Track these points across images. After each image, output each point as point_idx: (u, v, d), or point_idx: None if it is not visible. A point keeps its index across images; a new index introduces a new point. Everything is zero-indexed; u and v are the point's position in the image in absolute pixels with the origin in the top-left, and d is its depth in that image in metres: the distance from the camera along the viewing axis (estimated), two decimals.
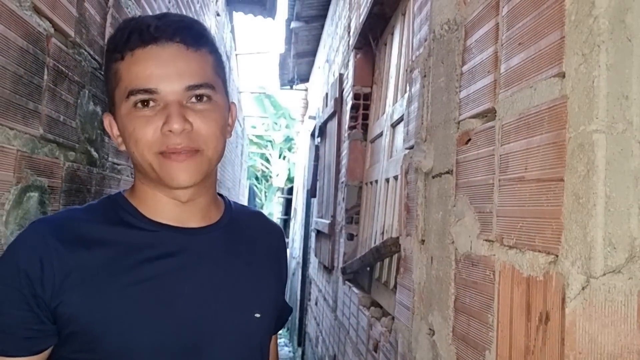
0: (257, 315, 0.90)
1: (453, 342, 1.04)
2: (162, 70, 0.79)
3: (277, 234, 1.08)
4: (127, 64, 0.80)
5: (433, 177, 1.25)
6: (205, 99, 0.82)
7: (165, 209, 0.86)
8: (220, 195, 0.99)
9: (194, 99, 0.81)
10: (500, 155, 0.88)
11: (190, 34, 0.83)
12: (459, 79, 1.12)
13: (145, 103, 0.80)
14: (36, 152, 1.02)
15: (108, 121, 0.88)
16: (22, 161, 0.97)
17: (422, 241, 1.30)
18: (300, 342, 6.27)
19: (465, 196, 1.03)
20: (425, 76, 1.38)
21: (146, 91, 0.79)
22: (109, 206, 0.87)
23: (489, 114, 0.96)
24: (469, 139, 1.04)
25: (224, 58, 4.86)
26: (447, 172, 1.15)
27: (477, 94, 1.01)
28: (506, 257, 0.83)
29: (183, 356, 0.81)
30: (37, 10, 0.99)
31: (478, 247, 0.95)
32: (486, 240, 0.92)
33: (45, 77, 1.04)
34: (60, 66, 1.10)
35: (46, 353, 0.79)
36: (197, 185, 0.85)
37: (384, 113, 2.49)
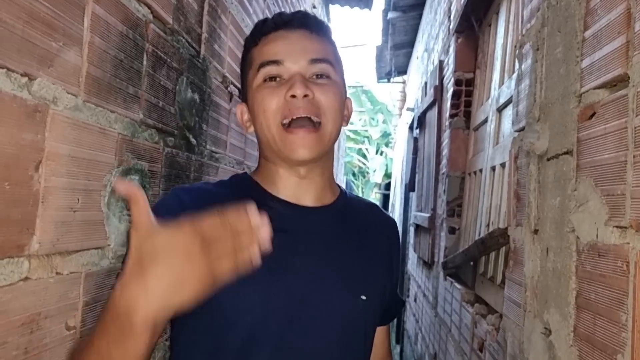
0: (363, 298, 0.93)
1: (575, 343, 0.92)
2: (288, 47, 0.90)
3: (391, 227, 1.10)
4: (260, 46, 0.93)
5: (548, 160, 1.13)
6: (325, 76, 0.91)
7: (285, 185, 0.94)
8: (337, 185, 1.04)
9: (314, 76, 0.90)
10: (635, 128, 0.76)
11: (316, 24, 0.95)
12: (580, 47, 0.99)
13: (273, 78, 0.89)
14: (136, 136, 1.04)
15: (240, 110, 0.99)
16: (123, 144, 0.98)
17: (535, 231, 1.18)
18: (399, 339, 6.16)
19: (589, 178, 0.91)
20: (538, 49, 1.25)
21: (273, 62, 0.89)
22: (236, 182, 0.98)
23: (619, 82, 0.83)
24: (594, 113, 0.91)
25: None
26: (566, 153, 1.02)
27: (604, 60, 0.88)
28: None
29: (289, 325, 0.86)
30: None
31: (606, 235, 0.82)
32: (617, 226, 0.79)
33: (145, 62, 1.06)
34: (159, 52, 1.12)
35: None
36: (315, 162, 0.92)
37: (488, 98, 2.34)
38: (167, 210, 0.85)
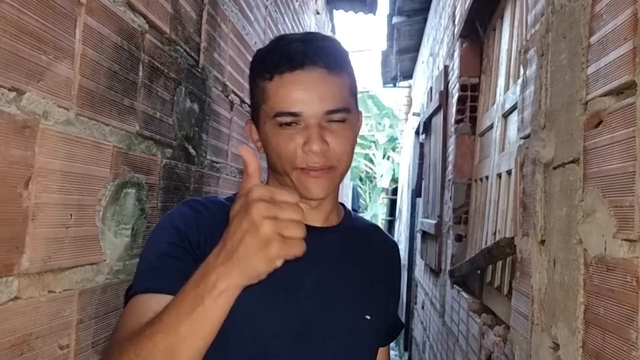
0: (368, 317, 0.95)
1: (583, 359, 0.89)
2: (306, 94, 0.88)
3: (393, 250, 1.13)
4: (275, 86, 0.89)
5: (554, 169, 1.10)
6: (341, 121, 0.90)
7: None
8: (342, 204, 1.05)
9: (331, 122, 0.89)
10: None
11: (334, 60, 0.90)
12: (585, 53, 0.96)
13: (288, 123, 0.89)
14: (133, 148, 1.02)
15: (249, 127, 0.98)
16: (119, 157, 0.97)
17: (542, 242, 1.15)
18: (407, 347, 6.11)
19: (596, 188, 0.88)
20: (542, 55, 1.22)
21: (291, 114, 0.88)
22: None
23: (626, 89, 0.81)
24: (600, 121, 0.89)
25: None
26: (572, 162, 1.00)
27: (611, 67, 0.85)
28: None
29: (299, 343, 0.88)
30: (131, 7, 0.99)
31: (615, 248, 0.80)
32: (626, 240, 0.76)
33: (141, 73, 1.04)
34: (155, 63, 1.10)
35: None
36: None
37: (494, 103, 2.31)
38: (187, 217, 0.88)
